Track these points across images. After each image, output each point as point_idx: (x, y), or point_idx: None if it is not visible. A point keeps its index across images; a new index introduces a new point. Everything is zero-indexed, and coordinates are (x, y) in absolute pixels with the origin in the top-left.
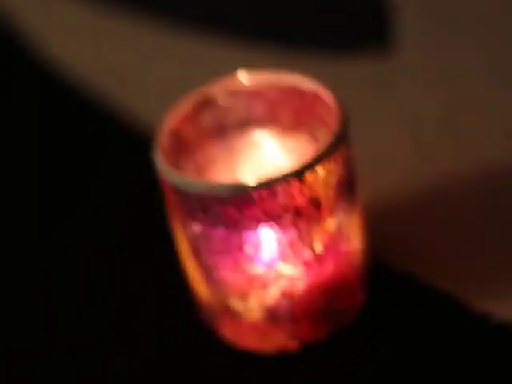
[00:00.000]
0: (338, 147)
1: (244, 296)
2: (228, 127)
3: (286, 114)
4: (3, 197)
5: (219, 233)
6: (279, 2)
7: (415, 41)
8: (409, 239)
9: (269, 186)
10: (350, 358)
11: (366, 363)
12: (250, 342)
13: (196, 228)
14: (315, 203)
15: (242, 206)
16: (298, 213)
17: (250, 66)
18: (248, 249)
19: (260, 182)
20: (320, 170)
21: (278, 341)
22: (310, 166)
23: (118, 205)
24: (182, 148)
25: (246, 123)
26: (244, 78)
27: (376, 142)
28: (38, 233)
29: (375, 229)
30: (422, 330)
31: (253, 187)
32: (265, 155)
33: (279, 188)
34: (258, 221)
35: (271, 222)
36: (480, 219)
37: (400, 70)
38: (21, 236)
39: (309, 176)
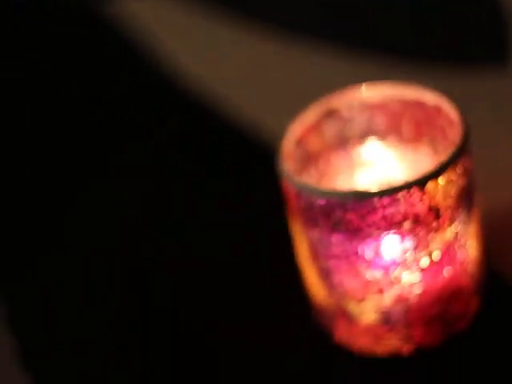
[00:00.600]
0: (458, 158)
1: (360, 300)
2: (350, 138)
3: (407, 126)
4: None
5: (339, 238)
6: (402, 20)
7: None
8: None
9: (391, 193)
10: (463, 363)
11: (478, 368)
12: (365, 344)
13: (316, 233)
14: (435, 212)
15: (363, 212)
16: (417, 221)
17: (372, 78)
18: (367, 254)
19: (382, 189)
20: (441, 180)
21: (393, 344)
22: (431, 175)
23: (242, 208)
24: (305, 156)
25: (368, 134)
26: (366, 90)
27: (494, 155)
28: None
29: (491, 238)
30: None
31: (375, 194)
32: (385, 166)
33: (401, 196)
34: (378, 227)
35: (391, 229)
36: None
37: None
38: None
39: (430, 185)
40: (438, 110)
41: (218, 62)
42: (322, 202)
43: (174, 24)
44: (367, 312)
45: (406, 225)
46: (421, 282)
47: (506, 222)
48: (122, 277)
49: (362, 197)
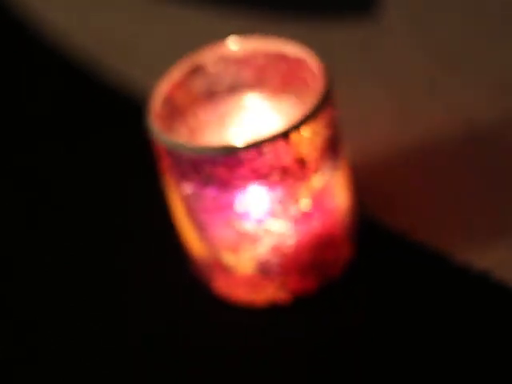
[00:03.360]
0: (321, 109)
1: (235, 251)
2: (218, 92)
3: (273, 78)
4: None
5: (210, 192)
6: None
7: (399, 2)
8: (393, 195)
9: (256, 146)
10: (338, 309)
11: (352, 314)
12: (242, 294)
13: (188, 188)
14: (301, 162)
15: (231, 166)
16: (284, 171)
17: (239, 32)
18: (237, 207)
19: (248, 142)
20: (305, 131)
21: (269, 293)
22: (295, 127)
23: (111, 168)
24: (174, 113)
25: (236, 88)
26: (233, 44)
27: (363, 102)
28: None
29: (362, 185)
30: (406, 280)
31: (241, 148)
32: (253, 118)
33: (266, 148)
34: (247, 180)
35: (259, 181)
36: (461, 174)
37: (384, 32)
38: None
39: (294, 136)
40: (300, 62)
41: (86, 19)
42: (190, 157)
43: None
44: (243, 263)
45: (274, 176)
46: (293, 231)
47: (375, 169)
48: (118, 237)
49: (229, 151)
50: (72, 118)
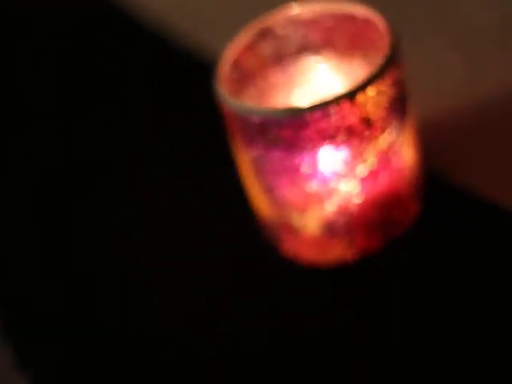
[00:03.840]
0: (387, 69)
1: (302, 212)
2: (286, 54)
3: (340, 39)
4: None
5: (277, 154)
6: None
7: None
8: (461, 151)
9: (322, 107)
10: (404, 265)
11: (419, 271)
12: (310, 255)
13: (256, 150)
14: (367, 122)
15: (297, 127)
16: (350, 132)
17: None
18: (304, 168)
19: (313, 104)
20: (370, 91)
21: (336, 253)
22: (360, 87)
23: (181, 129)
24: (242, 77)
25: (303, 50)
26: (300, 7)
27: (432, 59)
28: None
29: (430, 142)
30: (473, 238)
31: (307, 109)
32: (321, 79)
33: (332, 109)
34: (314, 141)
35: (326, 142)
36: None
37: None
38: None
39: (359, 97)
40: (367, 23)
41: None
42: (257, 120)
43: None
44: (310, 223)
45: (340, 136)
46: (359, 190)
47: (444, 126)
48: (189, 197)
49: (295, 113)
50: (141, 80)
